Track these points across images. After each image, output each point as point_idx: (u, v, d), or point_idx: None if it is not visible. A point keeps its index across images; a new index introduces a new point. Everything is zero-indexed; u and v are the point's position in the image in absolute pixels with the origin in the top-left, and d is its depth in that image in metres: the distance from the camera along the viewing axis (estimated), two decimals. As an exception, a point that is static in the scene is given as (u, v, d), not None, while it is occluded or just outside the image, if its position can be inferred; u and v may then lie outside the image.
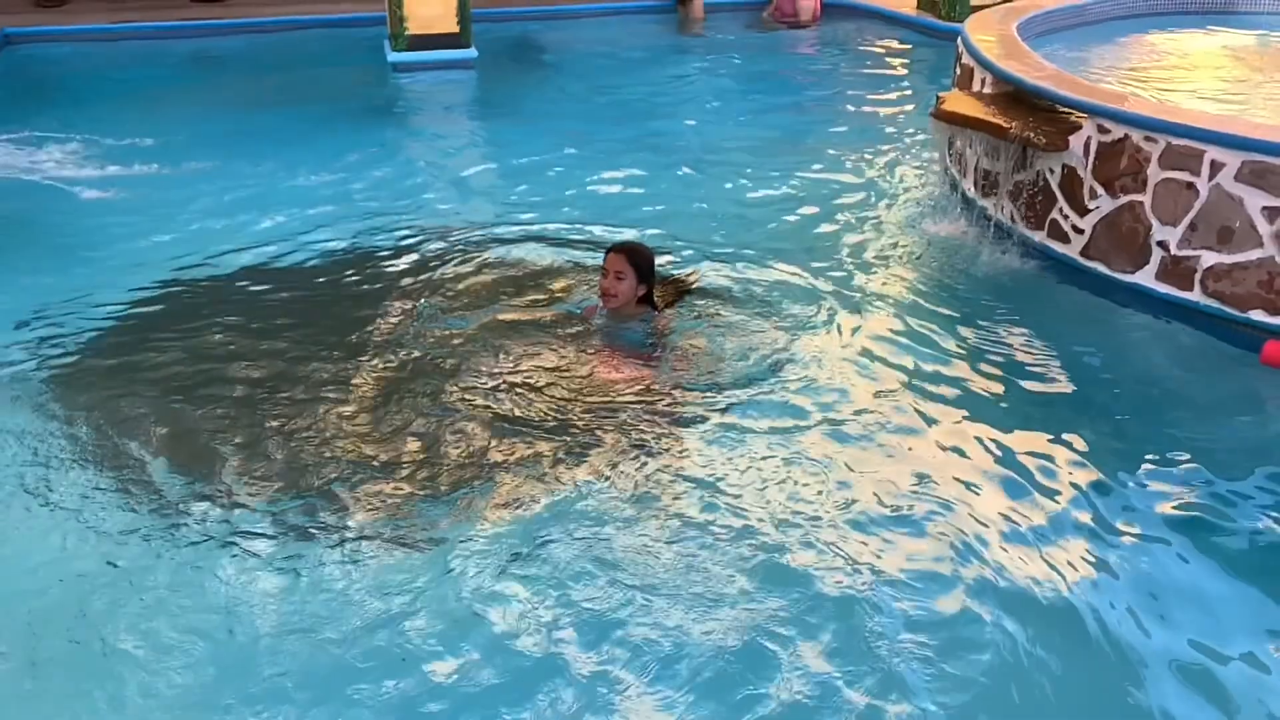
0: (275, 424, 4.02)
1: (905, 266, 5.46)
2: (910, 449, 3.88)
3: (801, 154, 7.36)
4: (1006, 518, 3.50)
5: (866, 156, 7.28)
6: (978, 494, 3.63)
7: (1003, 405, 4.16)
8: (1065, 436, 3.96)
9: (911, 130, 7.84)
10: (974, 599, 3.16)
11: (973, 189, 5.87)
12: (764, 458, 3.80)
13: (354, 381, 4.31)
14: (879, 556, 3.32)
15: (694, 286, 5.00)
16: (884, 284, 5.24)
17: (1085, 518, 3.53)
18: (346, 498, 3.57)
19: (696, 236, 5.86)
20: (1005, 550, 3.34)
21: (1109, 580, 3.26)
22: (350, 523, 3.46)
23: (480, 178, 7.04)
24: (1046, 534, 3.45)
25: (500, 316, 4.77)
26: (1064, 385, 4.28)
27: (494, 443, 3.87)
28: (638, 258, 4.58)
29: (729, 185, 6.78)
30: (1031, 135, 5.05)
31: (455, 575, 3.22)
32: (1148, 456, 3.84)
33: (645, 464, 3.73)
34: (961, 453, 3.86)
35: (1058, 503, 3.61)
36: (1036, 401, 4.19)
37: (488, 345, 4.52)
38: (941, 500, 3.59)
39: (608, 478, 3.65)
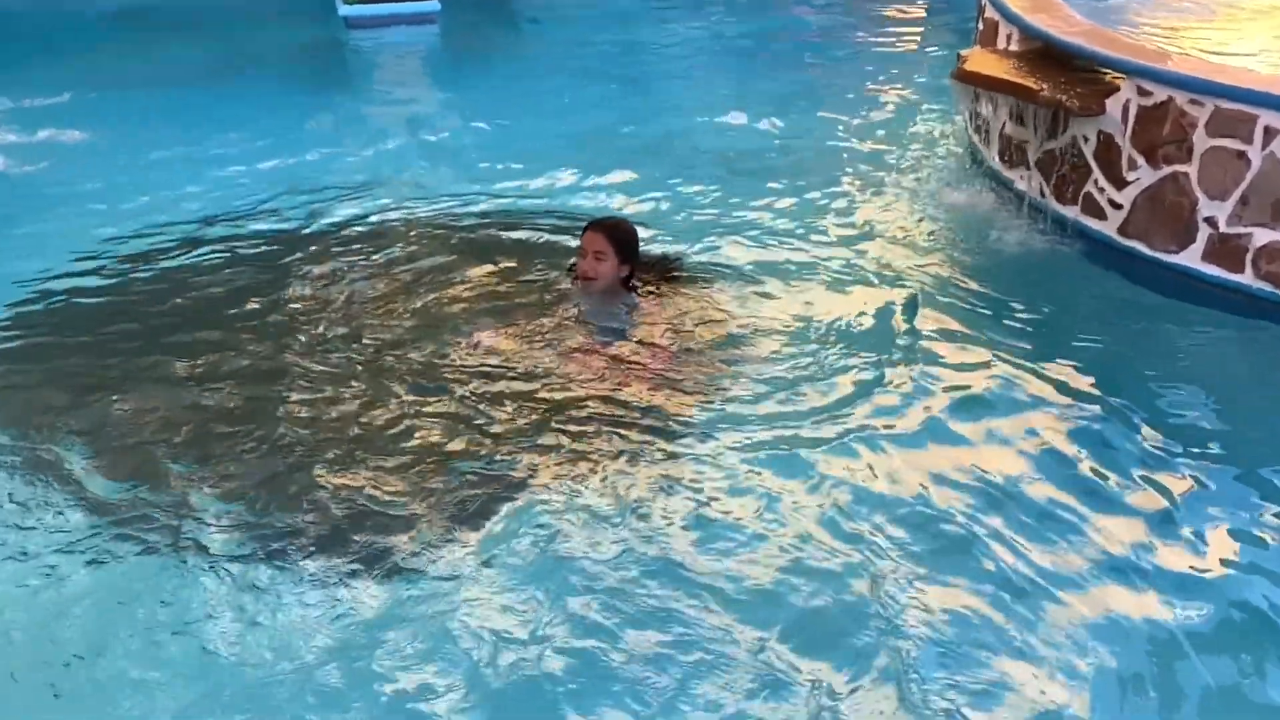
0: (212, 422, 3.97)
1: (921, 246, 5.41)
2: (925, 453, 3.79)
3: (806, 120, 7.29)
4: (1035, 530, 3.42)
5: (878, 123, 7.22)
6: (999, 503, 3.55)
7: (1029, 405, 4.07)
8: (1099, 439, 3.87)
9: (929, 93, 7.78)
10: (1002, 611, 3.11)
11: (997, 159, 5.81)
12: (762, 466, 3.69)
13: (298, 376, 4.26)
14: (894, 577, 3.23)
15: (683, 268, 4.94)
16: (897, 266, 5.18)
17: (1126, 531, 3.45)
18: (288, 511, 3.51)
19: (686, 210, 5.80)
20: (1029, 563, 3.28)
21: (1148, 592, 3.21)
22: (292, 538, 3.39)
23: (444, 145, 6.99)
24: (1076, 543, 3.38)
25: (464, 301, 4.74)
26: (1099, 381, 4.22)
27: (454, 448, 3.80)
28: (619, 235, 4.55)
29: (723, 153, 6.70)
30: (1063, 98, 5.00)
31: (410, 599, 3.16)
32: (1193, 461, 3.75)
33: (626, 475, 3.64)
34: (982, 456, 3.77)
35: (1088, 507, 3.53)
36: (1067, 399, 4.11)
37: (449, 334, 4.47)
38: (962, 510, 3.50)
39: (583, 493, 3.55)
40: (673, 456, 3.76)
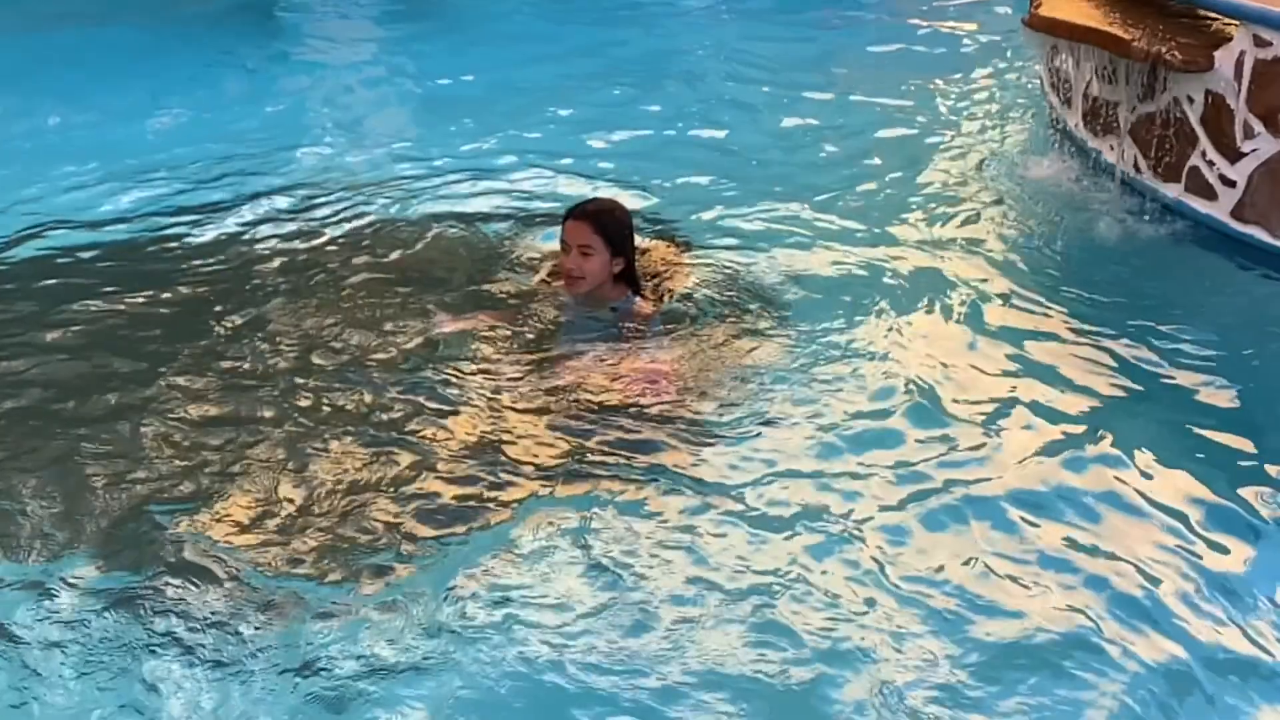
0: (99, 465, 3.86)
1: (988, 234, 5.31)
2: (1010, 522, 3.60)
3: (848, 78, 7.28)
4: (1169, 632, 3.20)
5: (938, 81, 7.21)
6: (1115, 594, 3.32)
7: (1124, 430, 3.96)
8: (1210, 476, 3.74)
9: (997, 43, 7.83)
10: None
11: (1081, 125, 5.73)
12: (790, 531, 3.54)
13: (207, 404, 4.17)
14: (959, 658, 3.06)
15: (694, 259, 4.86)
16: (960, 256, 5.09)
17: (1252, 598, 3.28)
18: (195, 572, 3.42)
19: (700, 188, 5.70)
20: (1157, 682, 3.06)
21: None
22: (182, 612, 3.27)
23: (391, 113, 7.06)
24: (1224, 657, 3.15)
25: (419, 307, 4.67)
26: (1210, 399, 4.14)
27: (392, 498, 3.70)
28: (608, 222, 4.45)
29: (748, 118, 6.64)
30: (1162, 50, 4.94)
31: (325, 693, 3.03)
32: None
33: (608, 534, 3.51)
34: (1086, 523, 3.58)
35: (1234, 604, 3.30)
36: (1172, 422, 4.03)
37: (401, 348, 4.40)
38: (1069, 602, 3.28)
39: (567, 545, 3.46)
40: (666, 501, 3.64)
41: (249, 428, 4.03)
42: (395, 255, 5.19)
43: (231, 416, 4.09)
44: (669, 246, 5.01)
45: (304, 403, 4.15)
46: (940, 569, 3.35)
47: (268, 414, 4.10)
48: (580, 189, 5.75)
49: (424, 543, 3.52)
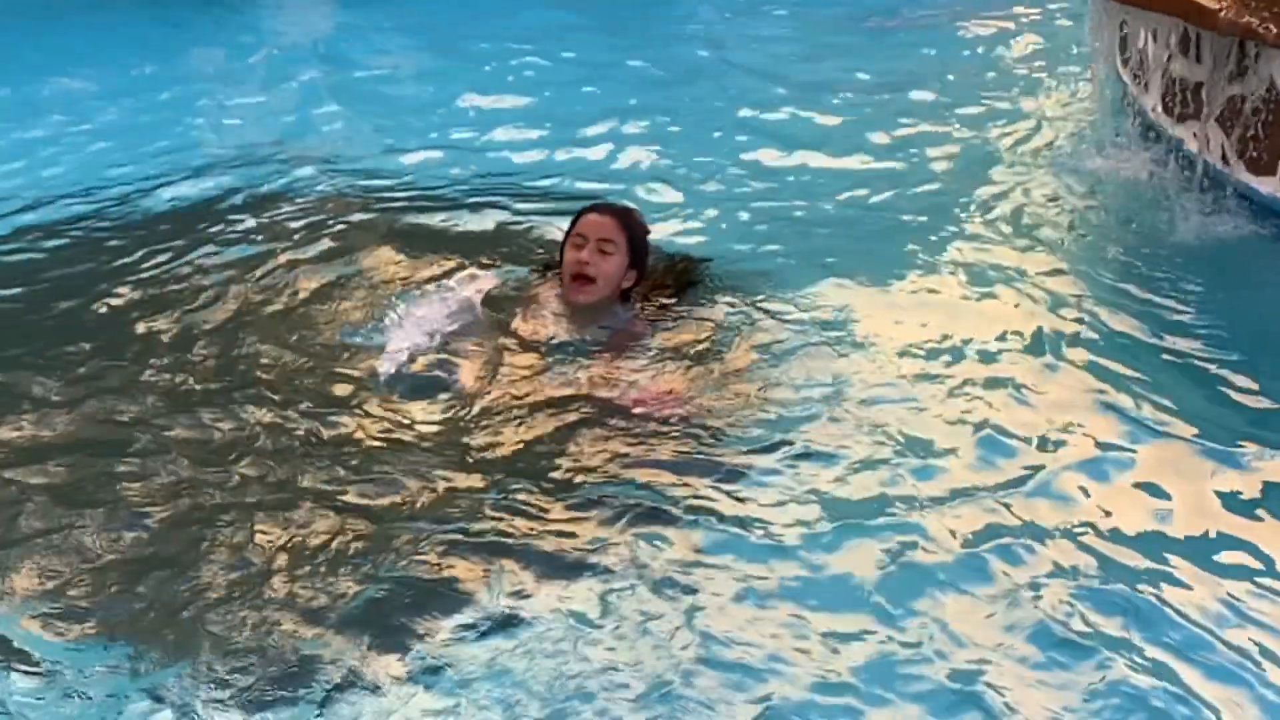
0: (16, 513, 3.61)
1: (1053, 237, 5.22)
2: (1077, 547, 3.38)
3: (893, 56, 7.30)
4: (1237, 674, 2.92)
5: (995, 59, 7.29)
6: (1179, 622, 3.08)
7: (1217, 464, 3.75)
8: None
9: (1060, 13, 7.88)
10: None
11: (1159, 109, 5.60)
12: (812, 567, 3.37)
13: (140, 437, 3.95)
14: None
15: (704, 274, 4.78)
16: (1019, 264, 4.97)
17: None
18: (150, 639, 3.17)
19: (718, 190, 5.70)
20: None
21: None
22: (158, 678, 3.04)
23: (361, 101, 7.04)
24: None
25: (366, 317, 4.56)
26: None
27: (365, 538, 3.53)
28: (635, 224, 4.45)
29: (777, 107, 6.63)
30: (1253, 22, 4.81)
31: None
32: None
33: (611, 575, 3.35)
34: (1157, 547, 3.36)
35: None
36: (1263, 460, 3.74)
37: (368, 363, 4.28)
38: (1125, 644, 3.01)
39: (556, 595, 3.30)
40: (667, 547, 3.47)
41: (156, 476, 3.77)
42: (336, 260, 5.05)
43: (161, 454, 3.84)
44: (685, 259, 4.90)
45: (271, 433, 3.99)
46: (992, 649, 3.07)
47: (171, 476, 3.81)
48: (573, 192, 5.62)
49: (381, 615, 3.31)
